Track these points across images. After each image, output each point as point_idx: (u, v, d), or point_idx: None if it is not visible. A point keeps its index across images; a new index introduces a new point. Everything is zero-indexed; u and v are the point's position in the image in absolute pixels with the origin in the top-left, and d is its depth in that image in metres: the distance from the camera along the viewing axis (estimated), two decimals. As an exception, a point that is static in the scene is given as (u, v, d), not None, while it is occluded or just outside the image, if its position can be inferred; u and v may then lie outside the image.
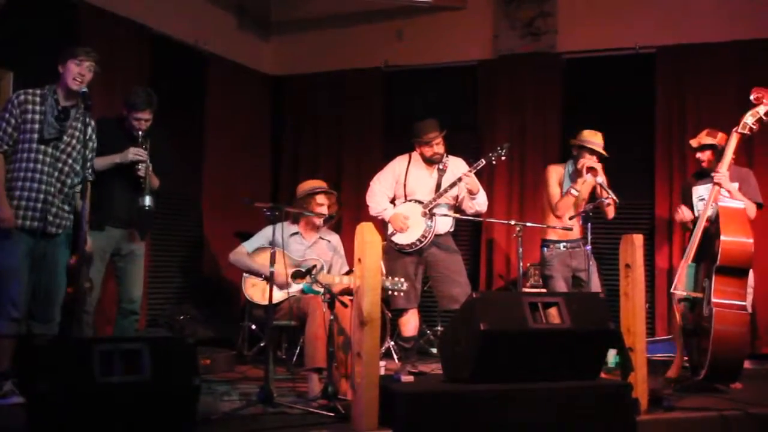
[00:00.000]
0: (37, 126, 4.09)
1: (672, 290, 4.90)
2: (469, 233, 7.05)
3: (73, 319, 4.15)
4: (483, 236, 6.99)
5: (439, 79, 7.32)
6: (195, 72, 6.89)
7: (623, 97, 6.78)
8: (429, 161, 5.27)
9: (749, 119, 4.73)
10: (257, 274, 4.73)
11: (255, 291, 4.76)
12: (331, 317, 4.08)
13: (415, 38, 7.40)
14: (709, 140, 5.02)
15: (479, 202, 5.22)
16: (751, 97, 4.77)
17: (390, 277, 4.83)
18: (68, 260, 4.25)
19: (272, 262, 4.14)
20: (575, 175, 5.18)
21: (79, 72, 4.10)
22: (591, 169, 5.02)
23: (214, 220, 6.93)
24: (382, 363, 4.78)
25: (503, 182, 6.94)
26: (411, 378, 4.06)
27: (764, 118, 4.73)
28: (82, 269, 3.99)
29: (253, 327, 6.14)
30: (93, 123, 4.33)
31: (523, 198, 6.91)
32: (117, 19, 5.94)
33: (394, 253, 5.23)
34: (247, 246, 4.85)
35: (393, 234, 5.22)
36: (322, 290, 4.27)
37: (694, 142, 5.12)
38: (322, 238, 5.02)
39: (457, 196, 5.26)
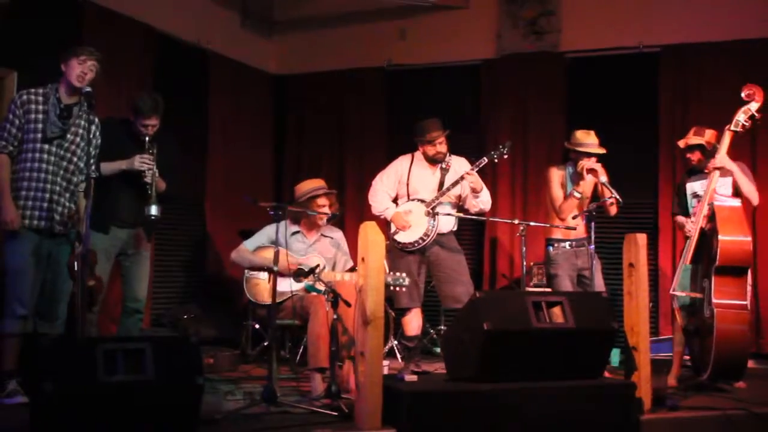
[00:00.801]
0: (40, 125, 4.10)
1: (671, 291, 4.90)
2: (473, 232, 7.05)
3: (77, 318, 4.15)
4: (486, 235, 6.98)
5: (442, 79, 7.30)
6: (198, 71, 6.89)
7: (627, 96, 6.76)
8: (432, 160, 5.27)
9: (741, 116, 4.67)
10: (261, 268, 4.72)
11: (257, 290, 4.76)
12: (335, 316, 4.08)
13: (418, 38, 7.39)
14: (696, 140, 4.95)
15: (483, 201, 5.21)
16: (743, 94, 4.71)
17: (392, 273, 4.79)
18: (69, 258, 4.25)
19: (276, 260, 4.14)
20: (576, 177, 5.16)
21: (81, 70, 4.10)
22: (591, 171, 5.01)
23: (218, 220, 6.93)
24: (386, 362, 4.78)
25: (506, 181, 6.93)
26: (414, 377, 4.05)
27: (756, 114, 4.68)
28: (82, 268, 3.98)
29: (257, 326, 6.15)
30: (97, 121, 4.33)
31: (527, 197, 6.90)
32: (121, 18, 5.94)
33: (396, 252, 5.22)
34: (248, 244, 4.85)
35: (395, 233, 5.22)
36: (324, 289, 4.27)
37: (681, 143, 5.06)
38: (324, 236, 5.02)
39: (461, 195, 5.26)
